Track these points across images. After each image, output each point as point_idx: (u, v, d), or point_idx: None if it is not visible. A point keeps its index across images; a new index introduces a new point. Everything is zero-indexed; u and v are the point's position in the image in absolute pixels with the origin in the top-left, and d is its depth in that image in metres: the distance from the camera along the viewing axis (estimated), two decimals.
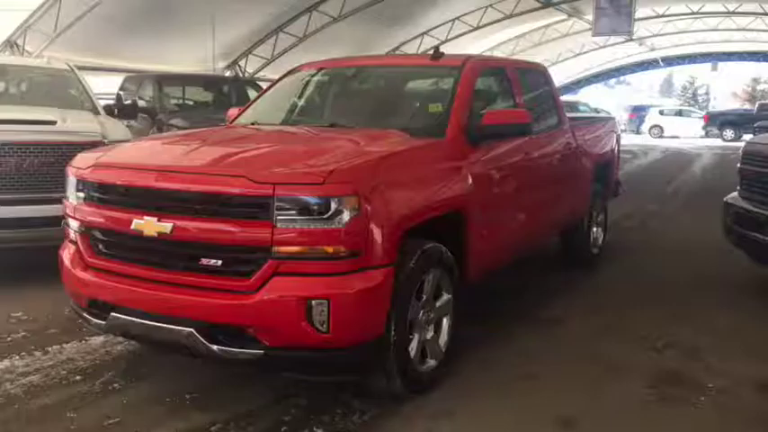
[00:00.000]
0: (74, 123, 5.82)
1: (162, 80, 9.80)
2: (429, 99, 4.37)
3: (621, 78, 62.21)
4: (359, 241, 3.06)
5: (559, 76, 33.77)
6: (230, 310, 3.06)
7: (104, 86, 11.36)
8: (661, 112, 34.52)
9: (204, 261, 3.15)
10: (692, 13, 24.60)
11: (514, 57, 24.99)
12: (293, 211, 3.00)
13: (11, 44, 11.38)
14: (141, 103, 8.80)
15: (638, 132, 34.90)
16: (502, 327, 4.66)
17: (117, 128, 6.17)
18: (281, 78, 5.06)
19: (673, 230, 8.53)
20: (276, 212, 3.00)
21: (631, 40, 26.46)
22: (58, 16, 11.34)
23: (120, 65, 12.98)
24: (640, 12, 21.83)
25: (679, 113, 34.91)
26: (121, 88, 10.58)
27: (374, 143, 3.64)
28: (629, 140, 27.65)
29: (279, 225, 3.00)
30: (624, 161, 18.45)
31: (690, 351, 4.30)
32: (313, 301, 2.99)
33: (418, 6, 17.69)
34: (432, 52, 4.61)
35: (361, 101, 4.67)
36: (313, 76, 4.95)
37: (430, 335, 3.65)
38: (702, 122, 31.86)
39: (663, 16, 24.79)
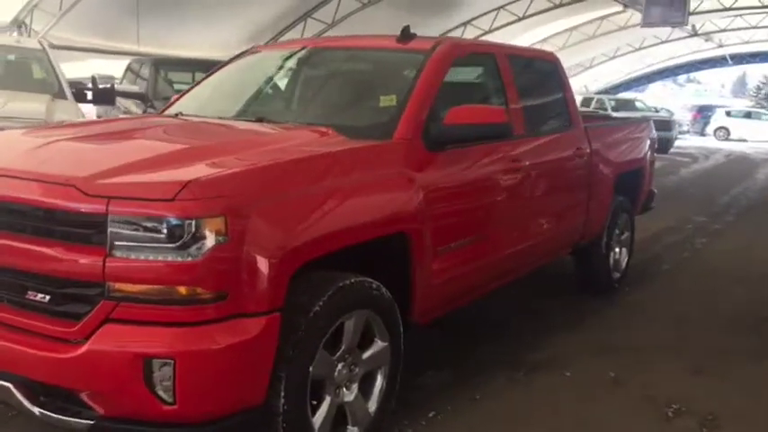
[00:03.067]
0: (17, 106, 5.19)
1: (159, 64, 9.12)
2: (384, 90, 3.50)
3: (692, 77, 59.19)
4: (226, 279, 2.25)
5: (618, 73, 32.19)
6: (49, 365, 2.28)
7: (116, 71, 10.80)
8: (728, 113, 32.39)
9: (30, 295, 2.38)
10: (763, 7, 22.65)
11: (565, 50, 23.67)
12: (134, 236, 2.20)
13: (18, 24, 10.94)
14: (135, 89, 8.15)
15: (702, 134, 32.91)
16: (472, 377, 3.76)
17: (68, 113, 5.50)
18: (230, 60, 4.27)
19: (721, 250, 7.39)
20: (111, 236, 2.21)
21: (696, 34, 24.72)
22: None
23: (134, 48, 12.37)
24: (706, 4, 20.20)
25: (748, 115, 32.68)
26: (127, 70, 10.01)
27: (282, 145, 2.81)
28: (691, 143, 26.13)
29: (114, 253, 2.21)
30: (681, 165, 17.18)
31: (707, 422, 3.34)
32: (153, 361, 2.19)
33: None
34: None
35: (304, 91, 3.83)
36: (264, 59, 4.14)
37: (352, 396, 2.81)
38: None
39: (730, 9, 22.79)
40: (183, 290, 2.21)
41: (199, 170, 2.36)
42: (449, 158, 3.27)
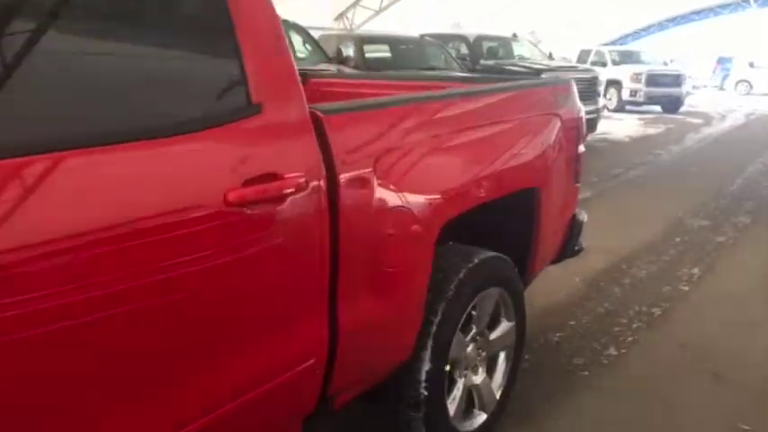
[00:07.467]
0: None
1: None
2: None
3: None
4: None
5: (625, 24, 28.70)
6: None
7: None
8: (751, 65, 28.66)
9: None
10: None
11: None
12: None
13: None
14: None
15: (721, 88, 29.33)
16: None
17: None
18: None
19: (725, 297, 4.36)
20: None
21: None
22: None
23: None
24: None
25: None
26: None
27: None
28: (707, 98, 22.75)
29: None
30: (690, 129, 13.98)
31: None
32: None
33: None
34: None
35: None
36: None
37: None
38: None
39: None
40: None
41: None
42: None
